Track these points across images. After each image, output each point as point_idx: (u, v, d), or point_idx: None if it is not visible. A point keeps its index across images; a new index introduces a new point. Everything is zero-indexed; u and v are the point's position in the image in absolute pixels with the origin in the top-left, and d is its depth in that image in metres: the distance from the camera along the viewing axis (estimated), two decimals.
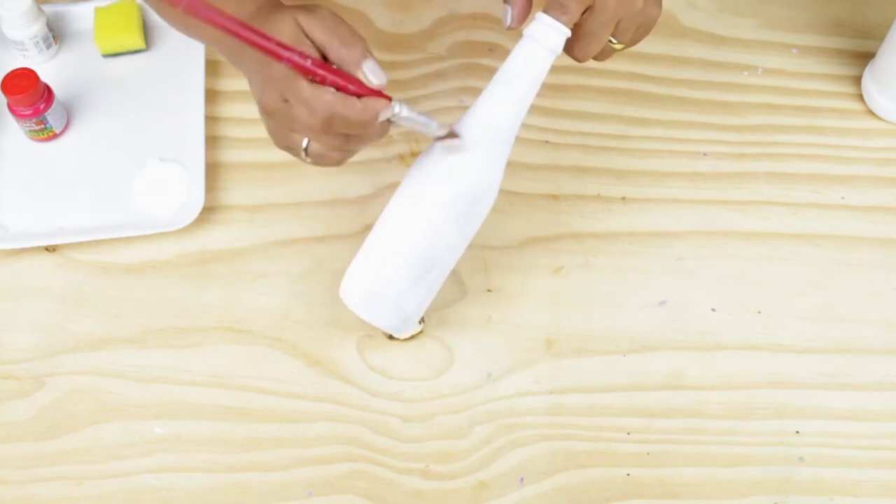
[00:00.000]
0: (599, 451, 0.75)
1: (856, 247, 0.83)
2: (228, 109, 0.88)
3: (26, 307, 0.79)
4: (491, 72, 0.90)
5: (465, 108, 0.84)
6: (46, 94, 0.83)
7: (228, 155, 0.86)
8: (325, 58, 0.63)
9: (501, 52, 0.91)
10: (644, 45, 0.92)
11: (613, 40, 0.69)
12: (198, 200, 0.81)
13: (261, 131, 0.87)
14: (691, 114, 0.89)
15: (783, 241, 0.83)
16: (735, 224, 0.84)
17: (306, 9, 0.64)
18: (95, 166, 0.85)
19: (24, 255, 0.81)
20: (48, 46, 0.89)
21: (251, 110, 0.87)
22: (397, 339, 0.78)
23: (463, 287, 0.80)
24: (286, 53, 0.59)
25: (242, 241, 0.82)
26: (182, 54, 0.90)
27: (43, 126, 0.84)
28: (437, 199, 0.67)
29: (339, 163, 0.66)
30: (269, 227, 0.83)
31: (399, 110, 0.63)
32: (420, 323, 0.78)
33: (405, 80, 0.90)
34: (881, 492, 0.74)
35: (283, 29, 0.62)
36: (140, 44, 0.89)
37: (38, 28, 0.87)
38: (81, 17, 0.91)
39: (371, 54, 0.63)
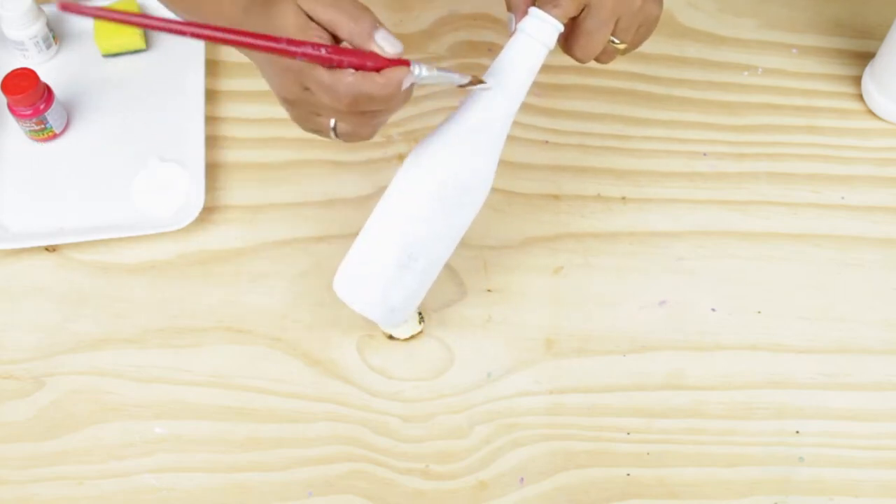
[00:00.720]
0: (599, 451, 0.75)
1: (856, 247, 0.83)
2: (228, 109, 0.88)
3: (26, 307, 0.79)
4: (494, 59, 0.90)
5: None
6: (46, 94, 0.83)
7: (228, 155, 0.86)
8: (334, 37, 0.62)
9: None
10: (644, 45, 0.91)
11: (616, 40, 0.69)
12: (198, 200, 0.81)
13: (261, 131, 0.87)
14: (691, 114, 0.89)
15: (783, 241, 0.83)
16: (735, 224, 0.84)
17: None
18: (95, 166, 0.85)
19: (24, 255, 0.81)
20: (48, 46, 0.89)
21: (251, 110, 0.88)
22: (397, 339, 0.78)
23: (463, 287, 0.80)
24: (299, 49, 0.58)
25: (242, 241, 0.82)
26: (182, 54, 0.90)
27: (43, 126, 0.84)
28: (420, 186, 0.67)
29: (370, 136, 0.66)
30: (269, 227, 0.83)
31: (419, 72, 0.63)
32: (420, 323, 0.78)
33: None
34: (881, 492, 0.74)
35: (286, 19, 0.61)
36: (140, 44, 0.89)
37: (38, 28, 0.87)
38: (81, 17, 0.91)
39: (381, 23, 0.62)
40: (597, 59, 0.70)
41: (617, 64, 0.90)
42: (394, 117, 0.87)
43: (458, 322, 0.79)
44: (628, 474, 0.74)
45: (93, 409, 0.75)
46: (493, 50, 0.91)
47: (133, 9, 0.89)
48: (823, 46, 0.93)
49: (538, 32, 0.66)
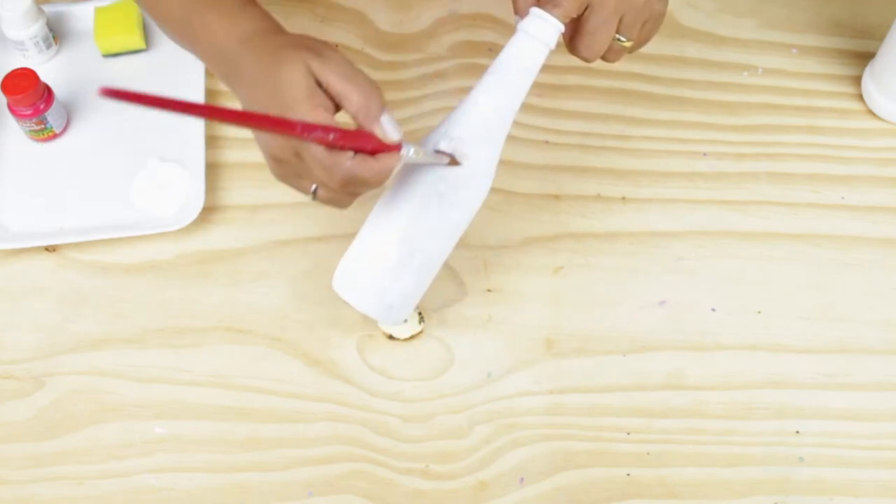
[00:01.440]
0: (599, 451, 0.75)
1: (856, 247, 0.83)
2: None
3: (26, 307, 0.79)
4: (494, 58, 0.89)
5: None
6: (46, 94, 0.83)
7: (228, 155, 0.86)
8: (337, 106, 0.61)
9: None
10: (644, 45, 0.92)
11: (621, 38, 0.69)
12: (198, 200, 0.81)
13: None
14: (691, 114, 0.89)
15: (783, 241, 0.83)
16: (735, 224, 0.84)
17: (316, 51, 0.61)
18: (95, 166, 0.85)
19: (24, 255, 0.81)
20: (48, 46, 0.89)
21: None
22: (397, 339, 0.78)
23: (463, 287, 0.80)
24: (312, 134, 0.57)
25: (242, 241, 0.82)
26: (182, 54, 0.89)
27: (43, 126, 0.84)
28: (418, 181, 0.67)
29: (347, 206, 0.66)
30: (269, 227, 0.83)
31: (409, 154, 0.63)
32: (420, 323, 0.78)
33: (405, 79, 0.90)
34: (881, 492, 0.74)
35: (294, 78, 0.60)
36: (140, 44, 0.89)
37: (38, 28, 0.87)
38: (81, 17, 0.91)
39: (387, 107, 0.61)
40: (604, 58, 0.70)
41: (617, 64, 0.90)
42: (394, 117, 0.87)
43: (458, 322, 0.79)
44: (628, 474, 0.74)
45: (93, 409, 0.75)
46: (493, 50, 0.91)
47: (133, 8, 0.89)
48: (823, 46, 0.93)
49: (539, 32, 0.66)
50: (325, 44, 0.63)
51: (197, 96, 0.86)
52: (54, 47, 0.90)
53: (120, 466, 0.73)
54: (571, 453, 0.75)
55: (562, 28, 0.66)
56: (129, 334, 0.78)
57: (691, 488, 0.73)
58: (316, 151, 0.60)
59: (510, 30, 0.92)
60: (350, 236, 0.82)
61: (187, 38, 0.69)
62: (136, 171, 0.84)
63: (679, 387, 0.77)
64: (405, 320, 0.77)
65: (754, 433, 0.75)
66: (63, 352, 0.77)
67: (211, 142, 0.85)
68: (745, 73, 0.91)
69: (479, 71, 0.89)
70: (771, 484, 0.74)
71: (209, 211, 0.83)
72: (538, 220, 0.83)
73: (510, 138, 0.86)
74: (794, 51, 0.92)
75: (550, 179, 0.85)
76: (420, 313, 0.79)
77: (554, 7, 0.66)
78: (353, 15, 0.93)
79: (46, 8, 0.90)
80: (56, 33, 0.90)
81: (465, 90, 0.88)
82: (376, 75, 0.90)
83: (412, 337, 0.78)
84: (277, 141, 0.62)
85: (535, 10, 0.66)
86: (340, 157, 0.60)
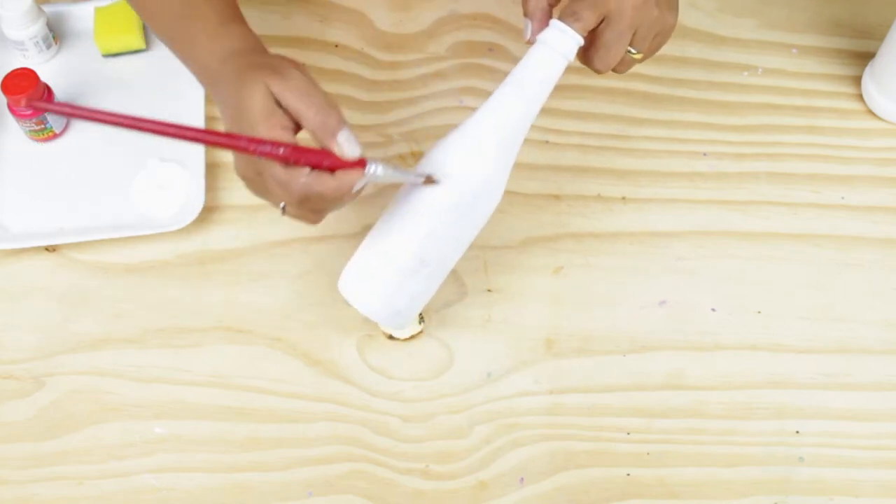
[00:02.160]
0: (599, 451, 0.75)
1: (856, 247, 0.83)
2: None
3: (26, 307, 0.79)
4: (491, 72, 0.90)
5: (465, 108, 0.84)
6: (46, 94, 0.83)
7: (228, 155, 0.85)
8: (297, 125, 0.62)
9: (501, 52, 0.91)
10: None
11: (633, 50, 0.69)
12: (198, 200, 0.81)
13: None
14: (691, 114, 0.89)
15: (783, 241, 0.83)
16: (735, 224, 0.84)
17: (277, 71, 0.62)
18: (95, 166, 0.85)
19: (24, 255, 0.81)
20: (48, 46, 0.89)
21: None
22: (397, 339, 0.78)
23: (463, 287, 0.80)
24: (259, 148, 0.59)
25: (242, 241, 0.82)
26: None
27: (43, 126, 0.84)
28: (438, 195, 0.67)
29: (316, 223, 0.66)
30: (269, 227, 0.83)
31: (374, 170, 0.63)
32: (420, 323, 0.78)
33: (405, 80, 0.90)
34: (881, 492, 0.74)
35: (253, 99, 0.61)
36: (140, 44, 0.89)
37: (38, 28, 0.87)
38: (81, 17, 0.91)
39: (345, 122, 0.62)
40: (614, 70, 0.70)
41: None
42: (394, 117, 0.88)
43: (458, 322, 0.79)
44: (628, 474, 0.74)
45: (93, 409, 0.75)
46: (493, 50, 0.91)
47: (132, 10, 0.89)
48: (823, 46, 0.93)
49: (558, 44, 0.67)
50: (292, 63, 0.64)
51: (197, 96, 0.86)
52: (54, 47, 0.90)
53: (120, 466, 0.73)
54: (571, 453, 0.74)
55: (581, 41, 0.67)
56: (129, 334, 0.78)
57: (691, 488, 0.73)
58: (273, 169, 0.61)
59: (510, 30, 0.92)
60: (350, 236, 0.82)
61: (177, 52, 0.70)
62: (136, 171, 0.84)
63: (679, 387, 0.77)
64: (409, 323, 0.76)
65: (754, 433, 0.75)
66: (63, 352, 0.77)
67: None
68: (745, 73, 0.91)
69: (479, 71, 0.90)
70: (771, 484, 0.74)
71: (209, 211, 0.83)
72: (538, 220, 0.83)
73: None
74: (794, 51, 0.92)
75: (550, 179, 0.85)
76: (420, 313, 0.79)
77: (575, 20, 0.66)
78: (353, 15, 0.93)
79: (46, 8, 0.90)
80: (56, 33, 0.90)
81: (466, 90, 0.89)
82: (376, 75, 0.90)
83: (412, 337, 0.78)
84: (242, 160, 0.64)
85: (555, 23, 0.67)
86: (296, 173, 0.61)
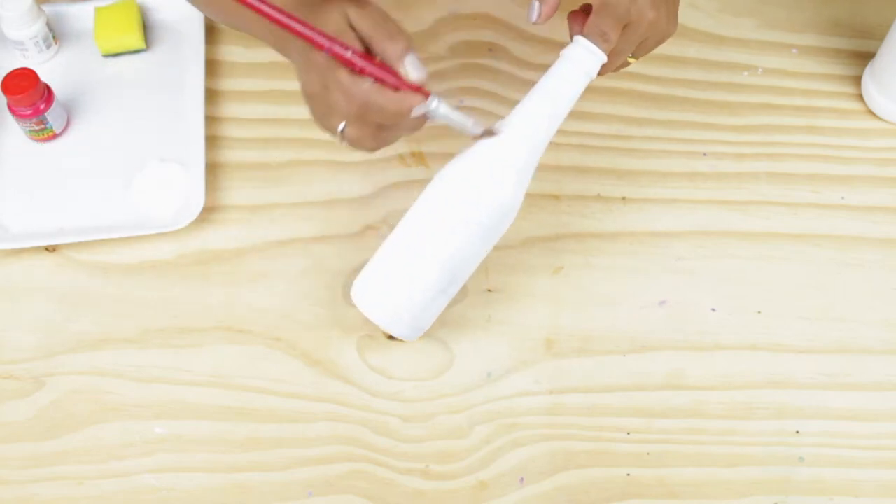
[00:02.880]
0: (599, 451, 0.75)
1: (856, 247, 0.83)
2: (228, 109, 0.88)
3: (26, 307, 0.79)
4: (491, 72, 0.90)
5: (464, 109, 0.84)
6: (46, 94, 0.83)
7: (228, 155, 0.86)
8: (368, 50, 0.64)
9: (501, 52, 0.91)
10: None
11: (631, 57, 0.71)
12: (198, 200, 0.81)
13: (261, 131, 0.87)
14: (691, 114, 0.89)
15: (783, 241, 0.83)
16: (735, 224, 0.84)
17: (357, 2, 0.65)
18: (95, 166, 0.85)
19: (24, 255, 0.81)
20: (48, 46, 0.89)
21: (251, 110, 0.88)
22: (397, 339, 0.78)
23: (463, 287, 0.80)
24: (327, 43, 0.62)
25: (242, 241, 0.82)
26: (182, 54, 0.90)
27: (43, 126, 0.84)
28: (471, 218, 0.69)
29: (374, 149, 0.68)
30: (269, 227, 0.83)
31: (436, 106, 0.65)
32: None
33: None
34: (881, 492, 0.74)
35: (329, 19, 0.64)
36: (140, 44, 0.89)
37: (38, 28, 0.87)
38: (81, 17, 0.91)
39: (414, 51, 0.65)
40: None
41: None
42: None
43: (458, 322, 0.79)
44: (628, 474, 0.74)
45: (93, 409, 0.75)
46: (493, 50, 0.91)
47: (133, 8, 0.89)
48: (823, 46, 0.93)
49: (583, 62, 0.67)
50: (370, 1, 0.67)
51: (197, 96, 0.86)
52: (54, 47, 0.90)
53: (120, 466, 0.73)
54: (571, 453, 0.74)
55: (605, 60, 0.68)
56: (129, 334, 0.78)
57: (691, 488, 0.73)
58: (338, 74, 0.63)
59: (510, 30, 0.92)
60: (350, 236, 0.82)
61: (238, 13, 0.70)
62: (136, 171, 0.84)
63: (679, 387, 0.77)
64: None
65: (754, 433, 0.75)
66: (63, 352, 0.77)
67: (211, 142, 0.85)
68: (745, 73, 0.91)
69: (479, 71, 0.90)
70: (771, 484, 0.74)
71: (209, 211, 0.83)
72: (538, 220, 0.83)
73: None
74: (794, 51, 0.92)
75: (550, 179, 0.85)
76: None
77: (603, 41, 0.67)
78: None
79: (46, 8, 0.90)
80: (56, 33, 0.90)
81: (466, 90, 0.89)
82: None
83: None
84: (310, 75, 0.65)
85: (581, 41, 0.68)
86: (360, 80, 0.63)
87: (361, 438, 0.75)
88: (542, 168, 0.85)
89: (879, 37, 0.87)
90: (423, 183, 0.71)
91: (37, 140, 0.86)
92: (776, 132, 0.88)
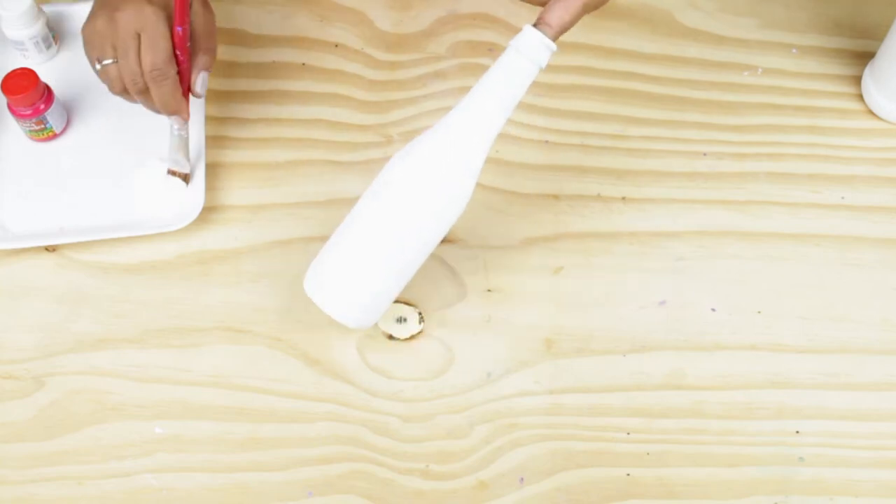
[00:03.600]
0: (599, 451, 0.75)
1: (856, 247, 0.83)
2: (228, 109, 0.88)
3: (26, 307, 0.79)
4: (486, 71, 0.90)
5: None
6: (46, 94, 0.83)
7: (228, 155, 0.86)
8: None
9: (501, 52, 0.90)
10: (644, 45, 0.92)
11: None
12: (198, 200, 0.81)
13: (261, 131, 0.87)
14: (691, 114, 0.89)
15: (783, 241, 0.83)
16: (735, 224, 0.84)
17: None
18: (95, 166, 0.85)
19: (24, 255, 0.81)
20: (48, 46, 0.89)
21: (251, 110, 0.88)
22: (397, 339, 0.78)
23: (463, 287, 0.80)
24: (184, 23, 0.73)
25: (242, 241, 0.82)
26: None
27: (43, 126, 0.84)
28: (420, 207, 0.69)
29: (118, 93, 0.76)
30: (269, 227, 0.83)
31: (183, 131, 0.79)
32: (420, 323, 0.78)
33: (405, 79, 0.90)
34: (881, 492, 0.74)
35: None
36: None
37: (38, 28, 0.87)
38: (81, 17, 0.90)
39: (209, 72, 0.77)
40: None
41: (617, 64, 0.91)
42: (394, 117, 0.88)
43: (458, 322, 0.79)
44: (628, 474, 0.74)
45: (93, 409, 0.75)
46: (493, 50, 0.91)
47: None
48: (823, 46, 0.93)
49: (533, 53, 0.67)
50: (210, 6, 0.78)
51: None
52: (54, 47, 0.90)
53: (120, 466, 0.73)
54: (571, 453, 0.75)
55: (555, 48, 0.67)
56: (129, 334, 0.78)
57: (691, 488, 0.73)
58: (164, 45, 0.73)
59: (510, 30, 0.92)
60: None
61: None
62: (136, 171, 0.84)
63: (679, 387, 0.77)
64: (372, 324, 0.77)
65: (754, 433, 0.75)
66: (63, 352, 0.77)
67: (211, 142, 0.85)
68: (745, 73, 0.91)
69: (479, 71, 0.89)
70: (771, 484, 0.74)
71: (209, 211, 0.83)
72: (538, 220, 0.83)
73: (510, 138, 0.86)
74: (794, 51, 0.92)
75: (550, 179, 0.85)
76: (420, 313, 0.79)
77: (545, 26, 0.67)
78: (353, 15, 0.93)
79: (46, 8, 0.90)
80: (56, 33, 0.90)
81: (465, 90, 0.88)
82: (376, 75, 0.90)
83: (412, 337, 0.78)
84: (130, 15, 0.72)
85: (530, 31, 0.67)
86: (174, 64, 0.74)
87: (361, 438, 0.75)
88: (541, 168, 0.86)
89: (879, 37, 0.87)
90: None
91: (37, 140, 0.86)
92: (776, 132, 0.88)
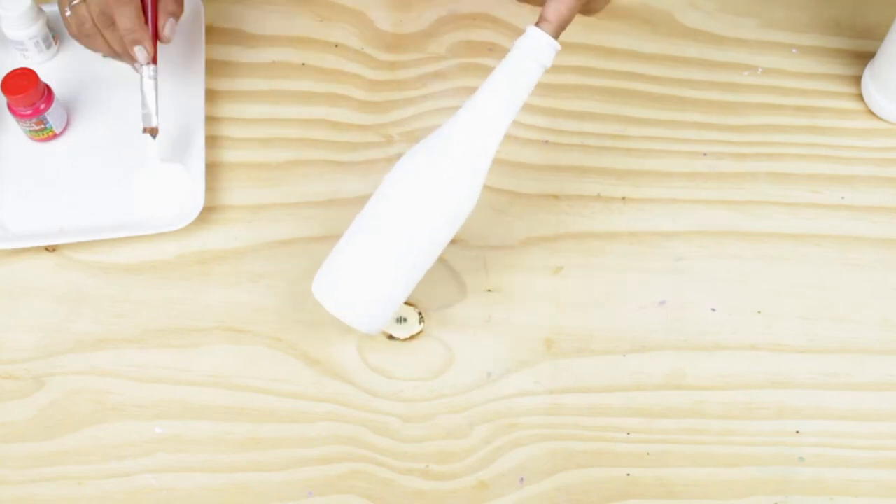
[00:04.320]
0: (599, 451, 0.75)
1: (856, 247, 0.83)
2: (228, 109, 0.88)
3: (26, 307, 0.79)
4: (491, 72, 0.90)
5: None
6: (46, 94, 0.83)
7: (228, 155, 0.86)
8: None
9: (501, 52, 0.90)
10: (644, 45, 0.92)
11: None
12: (198, 200, 0.81)
13: (261, 131, 0.87)
14: (691, 114, 0.89)
15: (783, 241, 0.83)
16: (735, 224, 0.84)
17: None
18: (95, 166, 0.85)
19: (24, 255, 0.81)
20: (48, 46, 0.89)
21: (251, 110, 0.88)
22: (397, 339, 0.78)
23: (463, 287, 0.80)
24: None
25: (242, 241, 0.82)
26: (182, 54, 0.89)
27: (43, 126, 0.84)
28: (429, 209, 0.69)
29: (77, 33, 0.81)
30: (269, 227, 0.83)
31: (153, 75, 0.80)
32: (420, 323, 0.78)
33: (405, 79, 0.90)
34: (881, 492, 0.74)
35: None
36: None
37: (38, 28, 0.87)
38: None
39: (176, 21, 0.81)
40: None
41: (617, 64, 0.91)
42: (394, 117, 0.88)
43: (458, 322, 0.79)
44: (628, 474, 0.74)
45: (93, 409, 0.75)
46: (493, 50, 0.91)
47: None
48: (823, 46, 0.93)
49: (538, 53, 0.67)
50: None
51: (197, 96, 0.86)
52: (54, 47, 0.90)
53: (120, 466, 0.73)
54: (571, 453, 0.75)
55: (558, 47, 0.67)
56: (129, 334, 0.78)
57: (691, 488, 0.73)
58: None
59: (510, 30, 0.92)
60: None
61: None
62: (136, 171, 0.84)
63: (679, 387, 0.77)
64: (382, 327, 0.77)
65: (754, 433, 0.75)
66: (63, 352, 0.77)
67: (211, 142, 0.85)
68: (745, 73, 0.91)
69: (479, 71, 0.90)
70: (771, 484, 0.74)
71: (209, 211, 0.83)
72: (538, 220, 0.83)
73: (510, 138, 0.86)
74: (794, 51, 0.92)
75: (550, 179, 0.85)
76: (420, 313, 0.79)
77: (545, 23, 0.67)
78: (353, 15, 0.93)
79: (46, 8, 0.90)
80: (56, 33, 0.90)
81: (466, 90, 0.89)
82: (376, 75, 0.90)
83: (412, 337, 0.78)
84: None
85: (534, 31, 0.67)
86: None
87: (361, 438, 0.75)
88: (542, 168, 0.86)
89: (879, 37, 0.87)
90: None
91: (37, 140, 0.86)
92: (776, 132, 0.88)
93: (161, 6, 0.80)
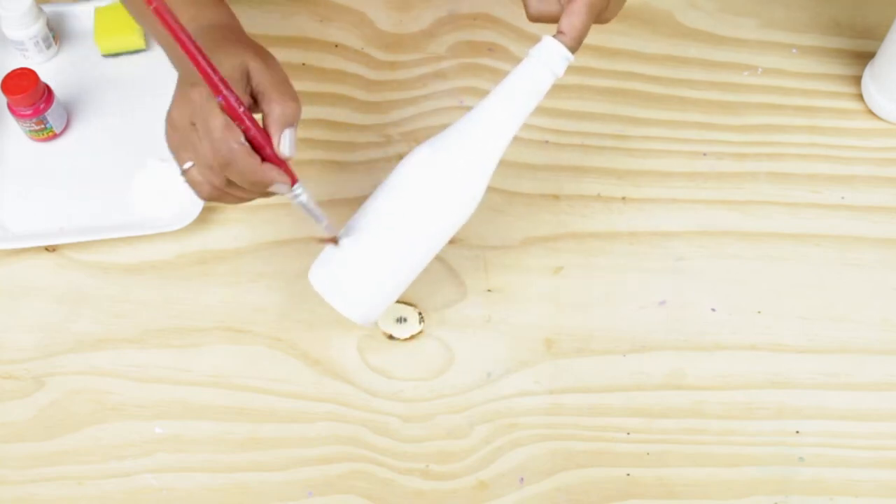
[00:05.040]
0: (599, 451, 0.75)
1: (856, 247, 0.83)
2: None
3: (26, 307, 0.79)
4: (491, 72, 0.90)
5: (464, 108, 0.84)
6: (46, 94, 0.83)
7: None
8: (255, 100, 0.64)
9: (501, 52, 0.91)
10: (644, 45, 0.92)
11: None
12: (198, 200, 0.81)
13: None
14: (691, 114, 0.89)
15: (783, 241, 0.83)
16: (735, 224, 0.84)
17: (260, 53, 0.64)
18: (95, 166, 0.85)
19: (24, 255, 0.81)
20: (48, 46, 0.89)
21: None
22: (397, 339, 0.78)
23: (463, 287, 0.80)
24: (225, 91, 0.60)
25: (242, 241, 0.82)
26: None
27: (43, 126, 0.84)
28: (427, 210, 0.69)
29: (208, 197, 0.66)
30: (269, 227, 0.83)
31: (297, 192, 0.66)
32: (420, 323, 0.78)
33: (405, 79, 0.90)
34: (881, 492, 0.74)
35: (225, 61, 0.62)
36: (140, 44, 0.89)
37: (38, 28, 0.87)
38: (81, 17, 0.91)
39: (295, 128, 0.63)
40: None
41: (617, 64, 0.91)
42: (394, 117, 0.88)
43: (458, 322, 0.79)
44: (628, 474, 0.74)
45: (93, 409, 0.75)
46: (493, 50, 0.91)
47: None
48: (823, 46, 0.93)
49: (551, 62, 0.67)
50: (273, 57, 0.66)
51: None
52: (54, 47, 0.90)
53: (120, 466, 0.73)
54: (571, 453, 0.75)
55: (572, 59, 0.67)
56: (129, 334, 0.78)
57: (691, 488, 0.73)
58: (212, 122, 0.61)
59: (510, 30, 0.92)
60: None
61: (152, 22, 0.67)
62: (136, 171, 0.84)
63: (679, 387, 0.77)
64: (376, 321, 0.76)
65: (754, 433, 0.75)
66: (63, 352, 0.77)
67: None
68: (745, 73, 0.91)
69: (479, 71, 0.90)
70: (771, 484, 0.74)
71: (209, 211, 0.83)
72: (538, 220, 0.83)
73: None
74: (794, 51, 0.92)
75: (550, 179, 0.85)
76: (420, 313, 0.79)
77: (562, 35, 0.66)
78: (353, 15, 0.93)
79: (46, 8, 0.90)
80: (56, 33, 0.90)
81: (466, 90, 0.89)
82: (376, 75, 0.90)
83: (412, 337, 0.78)
84: (182, 108, 0.63)
85: (549, 41, 0.67)
86: (234, 134, 0.61)
87: (361, 438, 0.75)
88: (541, 168, 0.86)
89: (879, 37, 0.87)
90: None
91: (37, 140, 0.86)
92: (776, 132, 0.88)
93: (271, 120, 0.63)
